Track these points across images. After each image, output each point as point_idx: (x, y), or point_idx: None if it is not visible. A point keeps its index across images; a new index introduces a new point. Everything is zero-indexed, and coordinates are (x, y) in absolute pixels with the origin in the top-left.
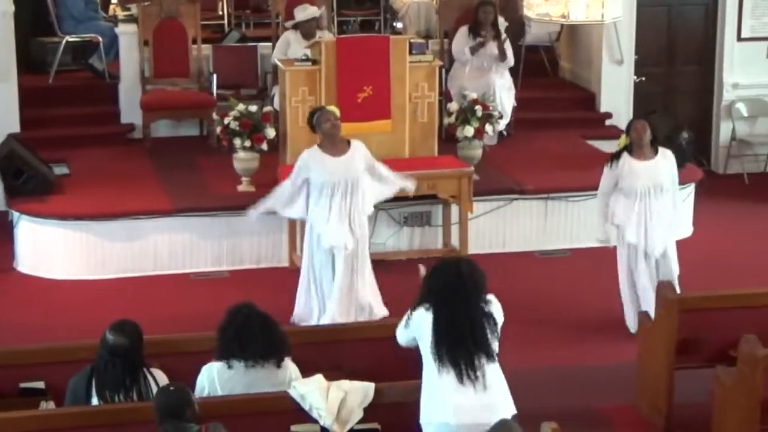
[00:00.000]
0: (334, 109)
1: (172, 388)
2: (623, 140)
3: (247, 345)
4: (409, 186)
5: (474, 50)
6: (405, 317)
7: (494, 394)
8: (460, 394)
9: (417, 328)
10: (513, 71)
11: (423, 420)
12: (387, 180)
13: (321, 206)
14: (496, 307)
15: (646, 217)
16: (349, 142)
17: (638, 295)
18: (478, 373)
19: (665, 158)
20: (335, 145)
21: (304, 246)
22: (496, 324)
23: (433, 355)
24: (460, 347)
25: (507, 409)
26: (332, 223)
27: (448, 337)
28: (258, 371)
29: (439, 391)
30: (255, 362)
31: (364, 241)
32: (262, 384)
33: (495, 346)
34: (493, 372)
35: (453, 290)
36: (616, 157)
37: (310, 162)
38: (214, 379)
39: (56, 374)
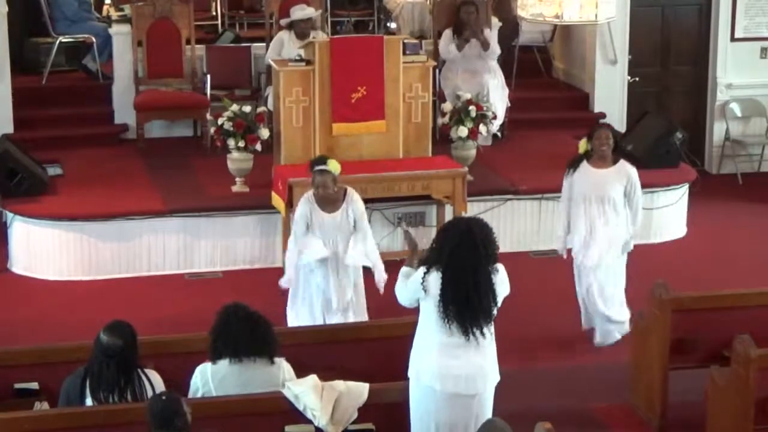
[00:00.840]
0: (335, 167)
1: (163, 396)
2: (583, 145)
3: (237, 344)
4: (379, 276)
5: (460, 47)
6: (409, 275)
7: (482, 361)
8: (448, 358)
9: (429, 290)
10: (506, 71)
11: (411, 374)
12: (364, 247)
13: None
14: (501, 279)
15: (589, 227)
16: (345, 192)
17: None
18: (478, 333)
19: (620, 172)
20: (328, 201)
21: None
22: (495, 295)
23: (441, 313)
24: (464, 306)
25: (492, 378)
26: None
27: (453, 295)
28: (251, 371)
29: (431, 352)
30: (246, 360)
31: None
32: (256, 384)
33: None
34: (487, 336)
35: (463, 247)
36: (573, 165)
37: (307, 213)
38: (208, 380)
39: (50, 375)
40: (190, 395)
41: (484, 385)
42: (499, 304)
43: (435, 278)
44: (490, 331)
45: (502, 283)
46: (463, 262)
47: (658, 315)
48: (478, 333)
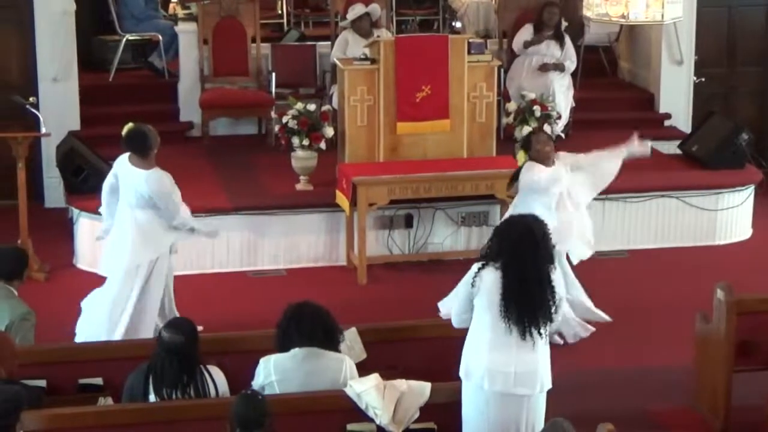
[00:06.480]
0: None
1: (259, 396)
2: (522, 156)
3: (303, 334)
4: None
5: (528, 45)
6: (466, 283)
7: (535, 361)
8: (499, 355)
9: (482, 286)
10: (572, 71)
11: (461, 373)
12: None
13: None
14: (557, 278)
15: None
16: None
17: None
18: (536, 333)
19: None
20: None
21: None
22: (555, 294)
23: (502, 313)
24: (527, 306)
25: (543, 381)
26: None
27: (517, 295)
28: (315, 362)
29: (482, 350)
30: (310, 350)
31: None
32: (319, 377)
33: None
34: (543, 337)
35: (525, 246)
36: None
37: None
38: (271, 372)
39: (115, 371)
40: (254, 386)
41: (534, 386)
42: (558, 304)
43: (491, 275)
44: (546, 332)
45: (558, 283)
46: (525, 260)
47: (722, 317)
48: (536, 333)
